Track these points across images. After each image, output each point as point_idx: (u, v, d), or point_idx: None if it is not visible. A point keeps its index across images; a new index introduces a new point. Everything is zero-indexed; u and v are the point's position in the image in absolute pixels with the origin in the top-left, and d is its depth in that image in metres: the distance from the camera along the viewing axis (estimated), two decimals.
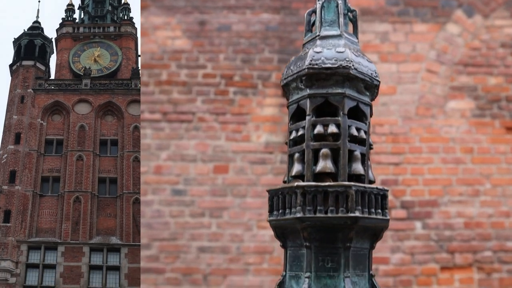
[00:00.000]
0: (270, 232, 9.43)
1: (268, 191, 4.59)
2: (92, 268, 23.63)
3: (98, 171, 25.45)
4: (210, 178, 9.68)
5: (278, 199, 4.43)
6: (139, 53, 29.01)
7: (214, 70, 9.83)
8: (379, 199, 4.29)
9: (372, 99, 4.63)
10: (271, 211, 4.51)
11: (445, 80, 9.95)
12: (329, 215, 4.12)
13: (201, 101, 9.74)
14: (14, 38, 28.17)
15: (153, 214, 9.54)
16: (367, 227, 4.19)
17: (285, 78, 4.69)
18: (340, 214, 4.12)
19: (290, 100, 4.72)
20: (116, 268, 23.67)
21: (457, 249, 9.62)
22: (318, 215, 4.15)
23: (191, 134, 9.69)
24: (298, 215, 4.19)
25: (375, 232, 4.28)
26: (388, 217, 4.30)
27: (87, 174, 25.08)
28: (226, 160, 9.66)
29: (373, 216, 4.20)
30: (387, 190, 4.36)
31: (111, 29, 29.27)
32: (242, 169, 9.65)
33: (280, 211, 4.41)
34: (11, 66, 27.47)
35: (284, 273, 4.47)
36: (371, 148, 4.60)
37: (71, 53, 28.19)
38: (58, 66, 28.42)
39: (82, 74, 27.14)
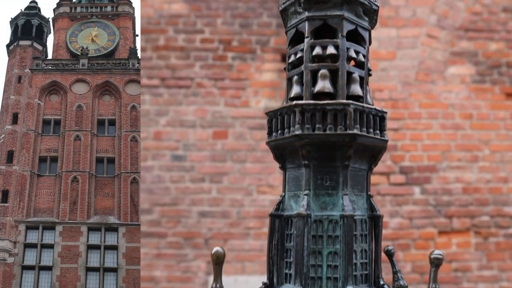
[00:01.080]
0: (270, 197, 9.45)
1: (267, 113, 4.58)
2: (90, 247, 23.64)
3: (95, 151, 25.39)
4: (209, 144, 9.64)
5: (277, 120, 4.43)
6: (137, 33, 28.91)
7: (212, 35, 9.76)
8: (378, 120, 4.28)
9: (372, 26, 4.59)
10: (270, 133, 4.50)
11: (445, 46, 9.89)
12: (328, 132, 4.11)
13: (199, 66, 9.68)
14: (11, 18, 28.01)
15: (153, 180, 9.51)
16: (365, 146, 4.18)
17: (283, 3, 4.67)
18: (338, 132, 4.11)
19: (288, 25, 4.70)
20: (114, 248, 23.68)
21: (455, 214, 9.64)
22: (316, 132, 4.13)
23: (190, 99, 9.63)
24: (297, 132, 4.18)
25: (373, 153, 4.27)
26: (386, 139, 4.29)
27: (85, 154, 25.03)
28: (225, 126, 9.62)
29: (372, 135, 4.18)
30: (386, 112, 4.34)
31: (109, 8, 29.09)
32: (241, 135, 9.62)
33: (279, 131, 4.40)
34: (8, 46, 27.33)
35: (283, 194, 4.47)
36: (369, 75, 4.57)
37: (69, 33, 28.04)
38: (55, 46, 28.28)
39: (79, 54, 27.01)
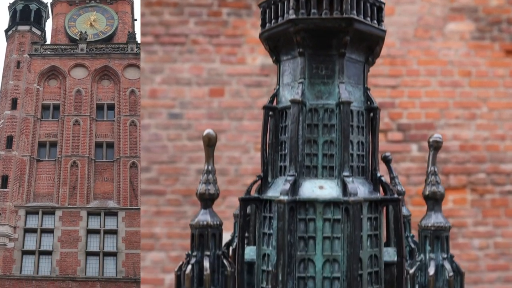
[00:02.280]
0: None
1: (260, 4, 4.45)
2: (90, 232, 23.57)
3: (95, 136, 25.31)
4: (206, 102, 9.54)
5: (270, 10, 4.31)
6: (136, 17, 28.81)
7: None
8: (375, 10, 4.15)
9: None
10: (263, 25, 4.38)
11: (445, 1, 9.76)
12: (324, 16, 3.98)
13: (194, 22, 9.55)
14: (9, 3, 27.93)
15: (151, 138, 9.42)
16: (362, 34, 4.06)
17: None
18: (334, 16, 3.97)
19: None
20: (114, 232, 23.61)
21: (451, 171, 9.56)
22: (312, 17, 4.00)
23: (185, 57, 9.51)
24: (291, 17, 4.05)
25: (370, 44, 4.15)
26: (384, 29, 4.16)
27: (84, 139, 24.94)
28: (221, 83, 9.51)
29: (369, 22, 4.05)
30: (384, 3, 4.21)
31: None
32: (238, 92, 9.50)
33: (273, 21, 4.27)
34: (6, 31, 27.24)
35: (277, 86, 4.36)
36: None
37: (67, 18, 27.93)
38: (54, 31, 28.18)
39: (78, 38, 26.91)
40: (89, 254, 23.14)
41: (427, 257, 6.71)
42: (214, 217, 6.20)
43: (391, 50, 9.63)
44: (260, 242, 7.06)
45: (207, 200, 6.29)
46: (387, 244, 7.36)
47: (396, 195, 5.00)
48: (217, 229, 6.31)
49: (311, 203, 5.60)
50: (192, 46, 9.52)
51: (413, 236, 7.79)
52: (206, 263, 6.36)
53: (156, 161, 9.37)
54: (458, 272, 6.76)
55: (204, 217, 6.26)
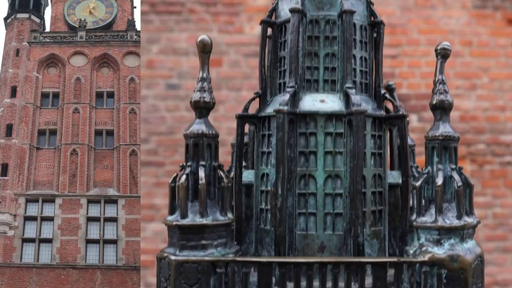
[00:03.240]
0: None
1: None
2: (90, 220, 23.50)
3: (94, 124, 25.23)
4: None
5: None
6: (135, 5, 28.68)
7: None
8: None
9: None
10: None
11: None
12: None
13: None
14: None
15: (149, 109, 9.31)
16: None
17: None
18: None
19: None
20: (114, 220, 23.53)
21: None
22: None
23: (182, 26, 9.39)
24: None
25: None
26: None
27: (84, 127, 24.86)
28: (219, 53, 9.39)
29: None
30: None
31: None
32: (236, 62, 9.39)
33: None
34: (5, 19, 27.14)
35: (275, 0, 4.23)
36: None
37: (66, 5, 27.84)
38: (53, 18, 28.09)
39: (77, 26, 26.81)
40: (89, 241, 23.07)
41: (435, 168, 6.50)
42: (209, 126, 6.02)
43: (391, 18, 9.50)
44: (258, 162, 6.89)
45: (202, 109, 6.11)
46: (391, 169, 7.20)
47: (401, 112, 4.87)
48: (213, 140, 6.12)
49: (312, 116, 5.45)
50: (188, 15, 9.40)
51: (417, 167, 7.64)
52: (201, 173, 6.19)
53: (154, 132, 9.27)
54: (467, 184, 6.60)
55: (199, 126, 6.08)
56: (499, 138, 9.55)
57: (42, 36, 26.32)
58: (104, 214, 23.58)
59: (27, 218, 23.38)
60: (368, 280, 6.19)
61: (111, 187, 24.18)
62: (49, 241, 22.93)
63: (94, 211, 23.75)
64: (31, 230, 23.23)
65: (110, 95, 25.88)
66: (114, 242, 23.10)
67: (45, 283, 22.13)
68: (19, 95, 25.03)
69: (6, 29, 26.91)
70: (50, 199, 23.72)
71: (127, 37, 26.36)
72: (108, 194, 23.91)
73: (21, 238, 22.86)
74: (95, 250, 23.09)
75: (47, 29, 27.78)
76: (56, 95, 25.75)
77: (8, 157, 23.96)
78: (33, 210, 23.60)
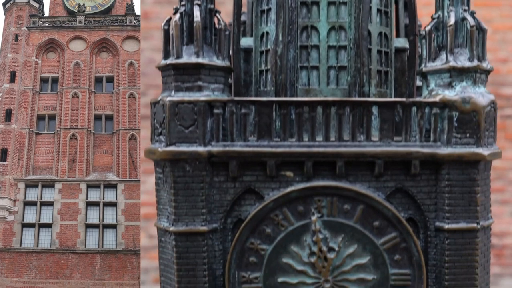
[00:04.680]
0: None
1: None
2: (89, 204, 23.52)
3: (93, 108, 25.18)
4: None
5: None
6: None
7: None
8: None
9: None
10: None
11: None
12: None
13: None
14: None
15: (146, 61, 9.19)
16: None
17: None
18: None
19: None
20: (113, 204, 23.54)
21: None
22: None
23: None
24: None
25: None
26: None
27: (83, 111, 24.82)
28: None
29: None
30: None
31: None
32: None
33: None
34: (4, 4, 27.04)
35: None
36: None
37: None
38: (52, 3, 27.96)
39: (76, 11, 26.70)
40: (88, 226, 23.11)
41: (445, 12, 6.33)
42: None
43: None
44: (258, 22, 6.72)
45: None
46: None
47: None
48: None
49: None
50: None
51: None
52: (197, 12, 6.05)
53: (152, 84, 9.16)
54: (480, 28, 6.42)
55: None
56: (499, 90, 9.33)
57: (41, 21, 26.23)
58: (103, 199, 23.59)
59: (27, 203, 23.42)
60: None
61: (110, 171, 24.17)
62: (48, 226, 22.99)
63: (94, 195, 23.77)
64: (30, 215, 23.30)
65: (109, 79, 25.80)
66: (113, 226, 23.13)
67: (45, 268, 22.21)
68: (18, 80, 24.99)
69: (4, 14, 26.82)
70: (49, 184, 23.74)
71: (126, 22, 26.22)
72: (108, 179, 23.91)
73: (21, 223, 22.92)
74: (95, 234, 23.13)
75: (46, 14, 27.68)
76: (55, 80, 25.69)
77: (7, 142, 23.97)
78: (32, 195, 23.64)
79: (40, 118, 25.08)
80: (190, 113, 6.10)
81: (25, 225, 22.99)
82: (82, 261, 22.37)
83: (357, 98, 6.37)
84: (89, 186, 23.79)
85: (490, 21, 9.39)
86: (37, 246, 22.62)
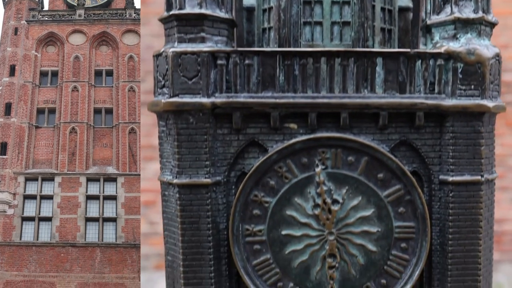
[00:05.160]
0: None
1: None
2: (89, 198, 23.45)
3: (93, 102, 25.14)
4: None
5: None
6: None
7: None
8: None
9: None
10: None
11: None
12: None
13: None
14: None
15: (145, 46, 9.16)
16: None
17: None
18: None
19: None
20: (113, 198, 23.47)
21: None
22: None
23: None
24: None
25: None
26: None
27: (83, 105, 24.78)
28: None
29: None
30: None
31: None
32: None
33: None
34: None
35: None
36: None
37: None
38: None
39: (75, 4, 26.70)
40: (88, 220, 23.03)
41: None
42: None
43: None
44: None
45: None
46: None
47: None
48: None
49: None
50: None
51: None
52: None
53: (151, 70, 9.13)
54: None
55: None
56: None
57: (40, 15, 26.22)
58: (103, 192, 23.52)
59: (27, 197, 23.34)
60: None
61: (110, 165, 24.11)
62: (48, 219, 22.90)
63: (94, 189, 23.70)
64: (30, 209, 23.21)
65: (109, 73, 25.76)
66: (113, 220, 23.06)
67: (45, 261, 22.12)
68: (18, 74, 24.96)
69: (4, 8, 26.81)
70: (49, 178, 23.67)
71: (125, 15, 26.21)
72: (107, 172, 23.84)
73: (21, 217, 22.84)
74: (95, 228, 23.05)
75: (46, 7, 27.65)
76: (55, 74, 25.66)
77: (7, 136, 23.92)
78: (32, 188, 23.57)
79: (40, 111, 25.03)
80: (194, 64, 6.07)
81: (25, 219, 22.90)
82: (82, 254, 22.29)
83: (361, 49, 6.35)
84: (89, 180, 23.72)
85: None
86: (37, 239, 22.53)
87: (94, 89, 25.37)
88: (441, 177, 6.43)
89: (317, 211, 6.28)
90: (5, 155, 23.64)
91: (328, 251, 6.32)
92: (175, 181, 6.24)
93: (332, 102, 6.18)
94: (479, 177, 6.40)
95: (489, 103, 6.35)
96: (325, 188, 6.27)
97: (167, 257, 6.55)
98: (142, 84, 9.37)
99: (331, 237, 6.34)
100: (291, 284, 6.41)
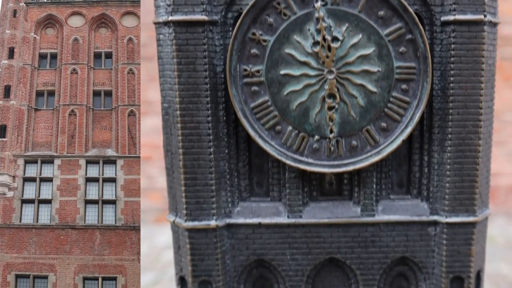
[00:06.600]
0: None
1: None
2: (89, 180, 23.43)
3: (93, 84, 25.04)
4: None
5: None
6: None
7: None
8: None
9: None
10: None
11: None
12: None
13: None
14: None
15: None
16: None
17: None
18: None
19: None
20: (113, 180, 23.46)
21: None
22: None
23: None
24: None
25: None
26: None
27: (82, 87, 24.69)
28: None
29: None
30: None
31: None
32: None
33: None
34: None
35: None
36: None
37: None
38: None
39: None
40: (88, 202, 23.04)
41: None
42: None
43: None
44: None
45: None
46: None
47: None
48: None
49: None
50: None
51: None
52: None
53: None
54: None
55: None
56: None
57: None
58: (103, 175, 23.51)
59: (26, 179, 23.35)
60: None
61: (109, 147, 24.07)
62: (48, 202, 22.92)
63: (93, 171, 23.68)
64: (30, 191, 23.22)
65: (108, 55, 25.64)
66: (113, 202, 23.07)
67: (45, 244, 22.17)
68: (16, 56, 24.85)
69: None
70: (49, 160, 23.66)
71: None
72: (107, 155, 23.81)
73: (20, 199, 22.86)
74: (94, 210, 23.07)
75: None
76: (54, 56, 25.54)
77: (6, 119, 23.87)
78: (32, 171, 23.57)
79: (39, 94, 24.95)
80: None
81: (25, 201, 22.92)
82: (81, 236, 22.33)
83: None
84: (88, 162, 23.70)
85: None
86: (37, 222, 22.57)
87: (93, 71, 25.26)
88: (443, 18, 6.26)
89: (316, 49, 6.12)
90: (4, 137, 23.61)
91: (328, 91, 6.17)
92: (170, 18, 6.07)
93: None
94: (482, 17, 6.22)
95: None
96: (324, 24, 6.11)
97: (163, 105, 6.36)
98: (142, 48, 9.30)
99: (331, 76, 6.18)
100: (290, 128, 6.31)
